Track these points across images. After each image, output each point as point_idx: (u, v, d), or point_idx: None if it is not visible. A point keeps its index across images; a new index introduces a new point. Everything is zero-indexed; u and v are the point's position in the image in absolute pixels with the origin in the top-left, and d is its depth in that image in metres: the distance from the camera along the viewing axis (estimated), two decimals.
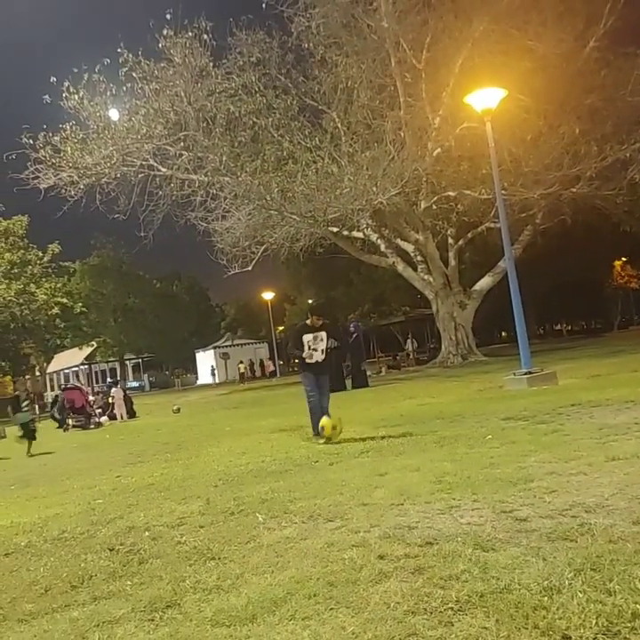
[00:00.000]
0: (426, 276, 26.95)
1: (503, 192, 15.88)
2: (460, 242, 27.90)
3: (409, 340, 34.71)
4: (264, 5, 22.78)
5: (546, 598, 2.57)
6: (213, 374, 51.26)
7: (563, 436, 6.19)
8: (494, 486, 4.53)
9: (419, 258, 27.32)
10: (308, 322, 8.41)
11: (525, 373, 12.20)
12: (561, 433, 6.40)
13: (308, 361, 8.29)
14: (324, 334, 8.40)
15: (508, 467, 5.10)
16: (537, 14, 21.20)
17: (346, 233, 26.96)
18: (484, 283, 26.87)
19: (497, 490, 4.42)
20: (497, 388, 12.55)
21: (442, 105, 22.20)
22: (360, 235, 27.84)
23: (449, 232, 27.43)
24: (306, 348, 8.27)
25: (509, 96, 14.62)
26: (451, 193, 23.50)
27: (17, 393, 14.52)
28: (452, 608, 2.59)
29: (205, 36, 23.01)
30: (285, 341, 37.89)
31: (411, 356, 33.10)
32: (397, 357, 33.57)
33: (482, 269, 28.17)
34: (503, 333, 56.66)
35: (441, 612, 2.58)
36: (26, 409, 13.39)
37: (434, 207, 25.12)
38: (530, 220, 25.11)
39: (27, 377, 57.31)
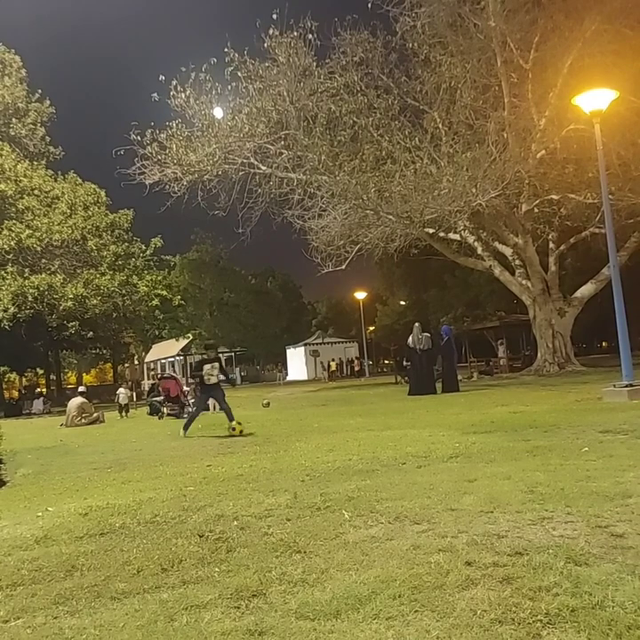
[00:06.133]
0: (524, 281, 26.30)
1: (610, 197, 15.28)
2: (562, 247, 27.09)
3: (502, 346, 33.90)
4: (370, 5, 22.83)
5: None
6: (325, 369, 49.27)
7: None
8: (589, 500, 4.38)
9: (517, 262, 26.72)
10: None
11: (626, 385, 11.70)
12: None
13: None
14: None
15: (605, 481, 4.91)
16: None
17: (442, 234, 26.63)
18: (586, 290, 25.96)
19: (592, 503, 4.27)
20: (595, 399, 12.10)
21: (548, 106, 21.61)
22: (457, 237, 27.45)
23: (550, 236, 26.64)
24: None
25: (620, 98, 14.05)
26: (554, 196, 22.88)
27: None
28: (540, 620, 2.52)
29: (310, 36, 23.32)
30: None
31: (503, 363, 32.34)
32: (490, 363, 32.86)
33: (583, 276, 27.25)
34: (604, 343, 54.73)
35: (529, 623, 2.51)
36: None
37: (535, 210, 24.51)
38: (637, 226, 24.07)
39: (126, 365, 59.89)
